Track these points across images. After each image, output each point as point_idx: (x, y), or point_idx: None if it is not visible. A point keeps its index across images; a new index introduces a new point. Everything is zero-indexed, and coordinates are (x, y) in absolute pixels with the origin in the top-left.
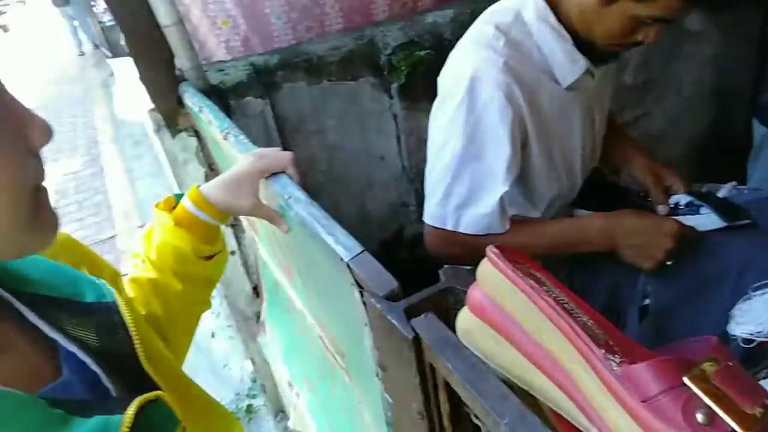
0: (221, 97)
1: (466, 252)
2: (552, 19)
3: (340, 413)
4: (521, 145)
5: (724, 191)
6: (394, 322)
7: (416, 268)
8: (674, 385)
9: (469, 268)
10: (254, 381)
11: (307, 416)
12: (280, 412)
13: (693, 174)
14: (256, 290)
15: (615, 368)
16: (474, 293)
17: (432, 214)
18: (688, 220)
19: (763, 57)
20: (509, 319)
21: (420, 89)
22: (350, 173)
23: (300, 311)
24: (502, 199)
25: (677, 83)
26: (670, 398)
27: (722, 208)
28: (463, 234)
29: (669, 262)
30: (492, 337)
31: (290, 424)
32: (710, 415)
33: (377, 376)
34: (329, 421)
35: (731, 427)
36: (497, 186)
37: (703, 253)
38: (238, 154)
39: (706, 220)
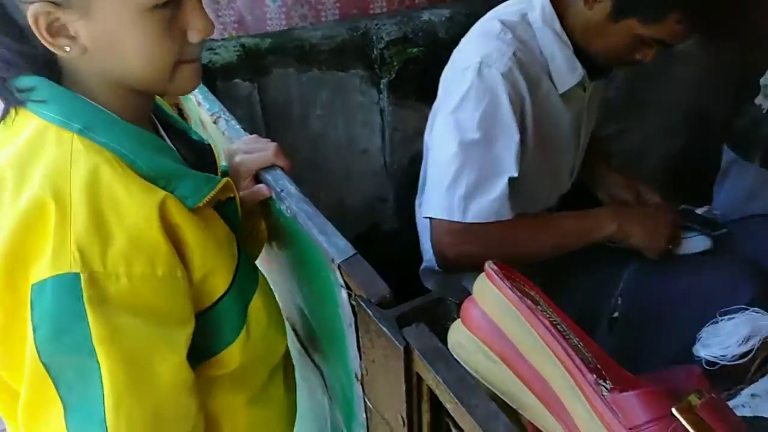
0: (209, 76)
1: (481, 248)
2: (557, 24)
3: (305, 410)
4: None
5: (700, 212)
6: (385, 329)
7: (389, 265)
8: (662, 416)
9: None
10: None
11: None
12: None
13: (665, 193)
14: None
15: (605, 394)
16: (469, 307)
17: (437, 204)
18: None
19: (740, 85)
20: (503, 338)
21: (410, 86)
22: (331, 164)
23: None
24: (508, 183)
25: (658, 103)
26: (656, 428)
27: (704, 223)
28: (476, 227)
29: (670, 246)
30: (484, 353)
31: None
32: None
33: (357, 378)
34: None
35: None
36: (507, 172)
37: (673, 271)
38: (226, 140)
39: (691, 243)
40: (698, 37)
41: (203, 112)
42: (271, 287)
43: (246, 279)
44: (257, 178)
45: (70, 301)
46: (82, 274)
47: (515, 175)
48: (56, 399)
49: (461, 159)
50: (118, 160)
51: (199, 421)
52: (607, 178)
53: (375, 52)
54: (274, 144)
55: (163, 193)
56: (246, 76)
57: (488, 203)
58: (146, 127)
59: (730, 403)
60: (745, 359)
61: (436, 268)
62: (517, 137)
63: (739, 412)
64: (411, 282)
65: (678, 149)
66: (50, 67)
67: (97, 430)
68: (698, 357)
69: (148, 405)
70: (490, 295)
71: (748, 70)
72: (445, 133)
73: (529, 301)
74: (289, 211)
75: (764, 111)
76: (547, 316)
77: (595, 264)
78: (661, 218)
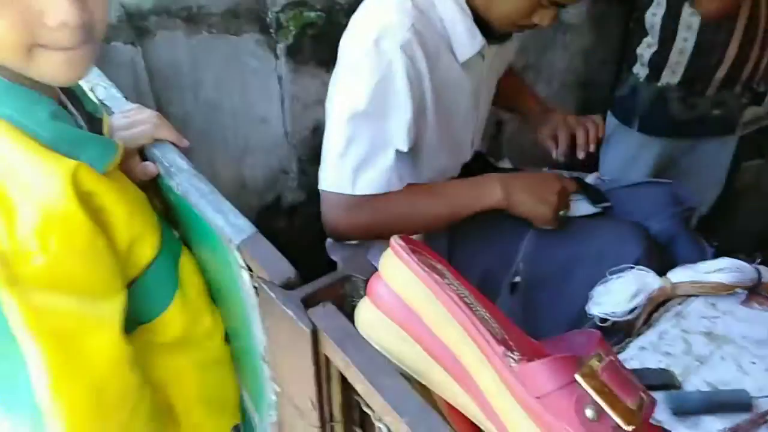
0: None
1: (371, 220)
2: None
3: None
4: (417, 114)
5: (590, 179)
6: (290, 313)
7: (295, 238)
8: (567, 383)
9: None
10: None
11: None
12: None
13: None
14: None
15: (513, 365)
16: (376, 285)
17: (328, 177)
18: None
19: (623, 53)
20: (411, 313)
21: (309, 52)
22: (228, 135)
23: None
24: (397, 154)
25: (549, 71)
26: (563, 395)
27: (590, 192)
28: (366, 199)
29: (561, 212)
30: (393, 330)
31: None
32: (598, 410)
33: (263, 360)
34: None
35: (616, 422)
36: (397, 146)
37: (567, 236)
38: (106, 110)
39: (581, 206)
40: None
41: None
42: None
43: (171, 240)
44: (144, 153)
45: None
46: None
47: (404, 149)
48: None
49: (351, 131)
50: (14, 128)
51: (145, 392)
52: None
53: (270, 16)
54: (155, 114)
55: (73, 162)
56: (127, 39)
57: (378, 175)
58: (43, 91)
59: (621, 356)
60: (633, 314)
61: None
62: (409, 112)
63: (628, 365)
64: (318, 254)
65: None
66: None
67: (27, 416)
68: (591, 315)
69: (87, 384)
70: (396, 270)
71: (629, 41)
72: (338, 104)
73: (436, 275)
74: (179, 188)
75: (641, 79)
76: (455, 289)
77: (497, 230)
78: (548, 186)
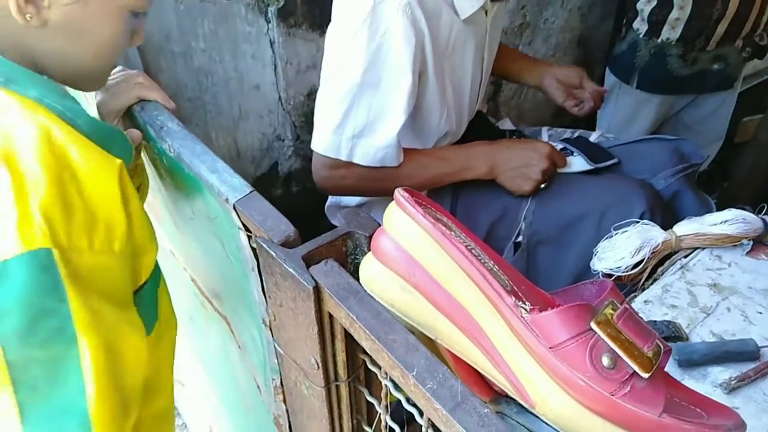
0: None
1: (357, 183)
2: None
3: (216, 361)
4: (419, 77)
5: (593, 137)
6: (291, 271)
7: (292, 205)
8: (582, 331)
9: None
10: None
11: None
12: None
13: (554, 116)
14: None
15: (525, 315)
16: (380, 239)
17: (324, 142)
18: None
19: (620, 10)
20: (417, 266)
21: (301, 14)
22: (221, 102)
23: (168, 252)
24: (404, 123)
25: (547, 29)
26: (577, 344)
27: (591, 151)
28: (356, 165)
29: (543, 185)
30: (399, 284)
31: None
32: (615, 358)
33: (264, 323)
34: (205, 367)
35: (633, 370)
36: (397, 117)
37: (571, 193)
38: None
39: (577, 162)
40: None
41: None
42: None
43: (157, 268)
44: (130, 117)
45: (48, 281)
46: (54, 250)
47: (403, 120)
48: (11, 407)
49: (351, 98)
50: (59, 118)
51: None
52: (545, 67)
53: None
54: (139, 74)
55: (118, 159)
56: None
57: (376, 149)
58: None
59: None
60: (638, 269)
61: (342, 203)
62: (409, 80)
63: None
64: (318, 221)
65: None
66: None
67: (75, 424)
68: (596, 270)
69: (121, 391)
70: (401, 223)
71: None
72: (336, 69)
73: (442, 227)
74: (172, 151)
75: (641, 35)
76: (462, 241)
77: (499, 191)
78: (535, 164)
